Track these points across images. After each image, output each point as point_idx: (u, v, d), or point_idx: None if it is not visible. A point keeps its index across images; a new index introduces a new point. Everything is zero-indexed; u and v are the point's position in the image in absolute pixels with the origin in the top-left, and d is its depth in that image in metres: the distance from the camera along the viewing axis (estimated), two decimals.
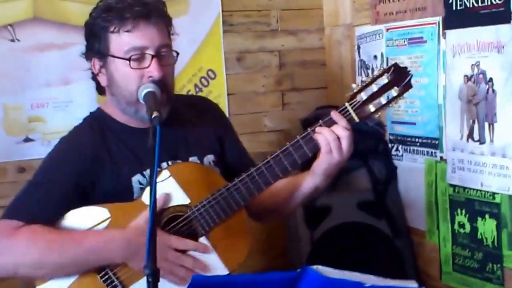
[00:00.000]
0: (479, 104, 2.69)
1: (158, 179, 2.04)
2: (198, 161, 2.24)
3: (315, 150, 2.07)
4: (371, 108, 2.06)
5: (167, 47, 2.11)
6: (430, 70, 2.96)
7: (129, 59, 2.06)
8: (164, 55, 2.10)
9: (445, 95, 2.87)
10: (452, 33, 2.81)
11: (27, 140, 3.15)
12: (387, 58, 3.23)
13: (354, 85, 2.09)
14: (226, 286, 1.65)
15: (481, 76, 2.66)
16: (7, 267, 2.03)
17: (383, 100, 2.06)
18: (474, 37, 2.68)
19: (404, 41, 3.12)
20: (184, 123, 2.27)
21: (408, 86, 2.07)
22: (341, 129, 2.04)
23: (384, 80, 2.06)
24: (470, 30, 2.69)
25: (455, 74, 2.80)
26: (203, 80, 3.44)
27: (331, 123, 2.06)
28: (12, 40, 3.09)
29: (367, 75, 3.35)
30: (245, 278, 1.74)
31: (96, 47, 2.13)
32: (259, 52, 3.58)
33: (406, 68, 2.09)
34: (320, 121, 2.08)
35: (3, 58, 3.08)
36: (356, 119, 2.06)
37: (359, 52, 3.45)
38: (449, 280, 2.98)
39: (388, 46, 3.22)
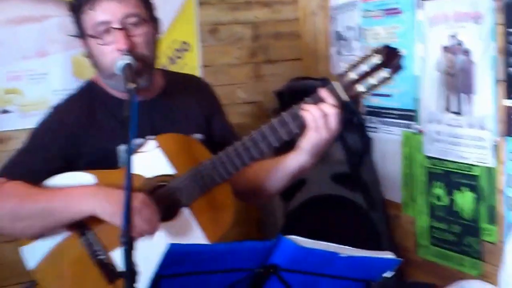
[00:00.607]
0: (456, 75, 2.67)
1: (145, 149, 2.16)
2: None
3: (301, 127, 2.08)
4: (361, 87, 2.07)
5: (135, 17, 2.13)
6: (406, 41, 2.93)
7: (96, 36, 2.12)
8: (134, 24, 2.13)
9: (422, 66, 2.85)
10: (429, 4, 2.79)
11: (4, 111, 3.15)
12: (362, 29, 3.21)
13: (343, 64, 2.11)
14: (202, 254, 1.66)
15: (458, 46, 2.64)
16: None
17: (373, 80, 2.07)
18: (451, 7, 2.65)
19: (380, 12, 3.09)
20: (174, 100, 2.31)
21: (399, 67, 2.08)
22: (328, 107, 2.05)
23: (375, 60, 2.06)
24: (447, 0, 2.67)
25: (432, 45, 2.78)
26: (177, 52, 3.43)
27: (318, 100, 2.07)
28: None
29: (342, 46, 3.35)
30: (220, 247, 1.76)
31: (77, 29, 2.21)
32: (233, 24, 3.56)
33: (397, 49, 2.09)
34: (306, 98, 2.08)
35: None
36: (345, 97, 2.07)
37: (334, 24, 3.42)
38: (425, 253, 2.98)
39: (364, 17, 3.19)
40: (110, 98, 2.25)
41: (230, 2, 3.54)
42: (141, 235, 1.98)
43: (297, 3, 3.68)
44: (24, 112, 3.15)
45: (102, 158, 2.17)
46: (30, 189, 2.10)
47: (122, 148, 2.17)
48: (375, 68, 2.06)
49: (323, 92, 2.07)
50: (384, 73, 2.06)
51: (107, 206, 2.02)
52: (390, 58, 2.07)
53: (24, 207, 2.07)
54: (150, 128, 2.21)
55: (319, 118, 2.04)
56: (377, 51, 2.07)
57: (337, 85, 2.07)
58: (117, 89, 2.20)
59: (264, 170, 2.29)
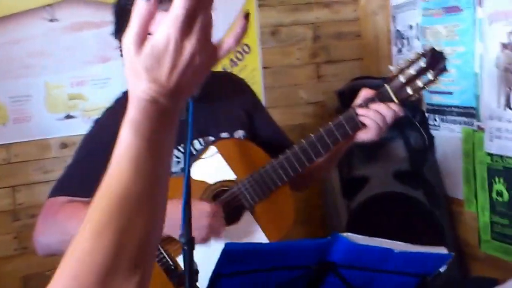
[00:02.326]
0: None
1: (205, 155, 2.17)
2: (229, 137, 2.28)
3: (356, 129, 2.13)
4: (409, 90, 2.11)
5: None
6: (466, 38, 2.94)
7: None
8: None
9: (481, 63, 2.86)
10: (488, 1, 2.79)
11: (68, 117, 3.21)
12: (423, 28, 3.22)
13: (392, 68, 2.15)
14: (259, 252, 1.69)
15: None
16: (52, 243, 2.08)
17: (420, 83, 2.11)
18: (511, 4, 2.65)
19: (440, 10, 3.10)
20: (211, 99, 2.30)
21: (444, 70, 2.11)
22: (385, 109, 2.10)
23: (421, 63, 2.10)
24: None
25: (491, 42, 2.78)
26: (237, 54, 3.47)
27: (372, 102, 2.12)
28: (51, 20, 3.15)
29: (403, 45, 3.36)
30: (278, 245, 1.82)
31: (125, 27, 2.16)
32: (294, 26, 3.59)
33: (442, 52, 2.13)
34: (361, 101, 2.13)
35: (43, 38, 3.14)
36: (396, 100, 2.11)
37: (394, 23, 3.44)
38: (488, 248, 2.99)
39: (424, 15, 3.20)
40: None
41: (290, 4, 3.57)
42: (208, 239, 2.03)
43: (357, 3, 3.70)
44: (88, 117, 3.17)
45: None
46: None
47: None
48: (421, 71, 2.10)
49: (378, 96, 2.11)
50: (429, 75, 2.10)
51: (173, 224, 2.00)
52: (435, 61, 2.10)
53: None
54: (196, 131, 2.20)
55: (380, 121, 2.09)
56: (423, 55, 2.11)
57: (388, 88, 2.11)
58: None
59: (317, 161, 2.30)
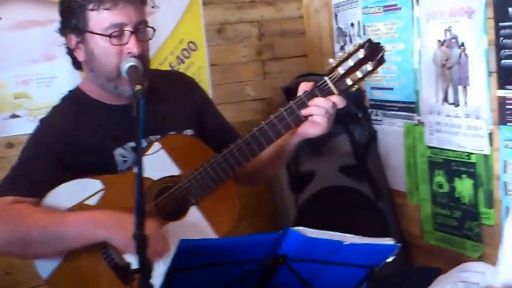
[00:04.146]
0: (452, 68, 2.76)
1: (149, 152, 2.16)
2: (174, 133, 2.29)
3: (298, 122, 2.17)
4: (349, 81, 2.16)
5: (144, 24, 2.17)
6: (405, 36, 3.02)
7: (109, 36, 2.11)
8: (142, 31, 2.16)
9: (420, 60, 2.94)
10: (425, 0, 2.87)
11: (14, 116, 3.18)
12: (363, 26, 3.30)
13: (331, 60, 2.18)
14: (213, 248, 1.70)
15: (453, 40, 2.73)
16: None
17: (359, 74, 2.16)
18: (446, 3, 2.74)
19: (380, 9, 3.18)
20: (161, 99, 2.32)
21: (382, 60, 2.18)
22: (326, 101, 2.13)
23: (359, 55, 2.16)
24: None
25: (428, 39, 2.87)
26: (184, 52, 3.49)
27: (312, 96, 2.15)
28: None
29: (345, 43, 3.44)
30: (231, 240, 1.81)
31: (73, 23, 2.16)
32: (239, 23, 3.64)
33: (379, 43, 2.19)
34: (302, 95, 2.16)
35: None
36: (336, 92, 2.15)
37: (336, 20, 3.51)
38: (430, 239, 3.08)
39: (364, 13, 3.28)
40: (98, 104, 2.24)
41: (235, 2, 3.61)
42: (155, 259, 1.96)
43: (300, 1, 3.76)
44: (34, 116, 3.16)
45: (100, 164, 2.16)
46: (37, 214, 2.06)
47: (118, 152, 2.19)
48: (360, 62, 2.16)
49: (317, 88, 2.15)
50: (368, 66, 2.16)
51: (120, 235, 2.00)
52: (373, 52, 2.16)
53: (34, 234, 2.04)
54: (144, 131, 2.11)
55: (324, 112, 2.12)
56: (361, 46, 2.16)
57: (328, 80, 2.15)
58: (112, 92, 2.19)
59: (265, 156, 2.32)
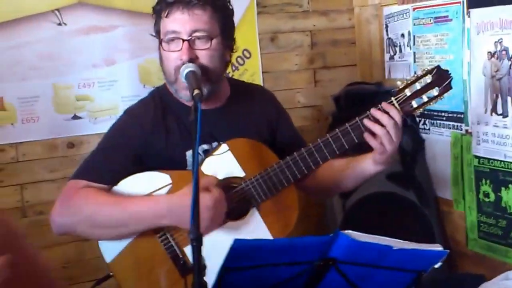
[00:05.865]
0: (502, 79, 2.78)
1: (216, 152, 2.26)
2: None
3: (361, 137, 2.22)
4: (414, 104, 2.23)
5: (203, 32, 2.22)
6: (455, 47, 3.05)
7: (166, 42, 2.23)
8: (197, 40, 2.22)
9: (469, 71, 2.97)
10: (476, 12, 2.90)
11: (75, 117, 3.27)
12: (414, 36, 3.33)
13: (399, 82, 2.25)
14: (265, 248, 1.73)
15: (504, 52, 2.75)
16: (67, 223, 2.21)
17: (424, 98, 2.23)
18: (497, 15, 2.76)
19: (430, 20, 3.21)
20: (238, 109, 2.40)
21: (448, 87, 2.25)
22: (392, 120, 2.18)
23: (427, 79, 2.23)
24: (493, 8, 2.78)
25: (479, 51, 2.89)
26: (239, 59, 3.57)
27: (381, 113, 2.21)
28: (60, 24, 3.20)
29: (395, 53, 3.48)
30: (283, 241, 1.85)
31: (155, 28, 2.32)
32: (292, 32, 3.70)
33: (447, 70, 2.26)
34: (368, 112, 2.22)
35: (52, 41, 3.20)
36: (400, 113, 2.21)
37: (387, 31, 3.56)
38: (474, 246, 3.09)
39: (415, 24, 3.32)
40: (179, 104, 2.32)
41: (289, 11, 3.68)
42: (208, 231, 2.11)
43: (352, 11, 3.81)
44: (94, 118, 3.29)
45: (171, 161, 2.25)
46: (103, 196, 2.17)
47: (190, 153, 2.26)
48: (427, 87, 2.23)
49: (386, 106, 2.20)
50: (434, 91, 2.23)
51: (184, 218, 2.02)
52: (441, 78, 2.23)
53: (102, 215, 2.15)
54: (210, 135, 2.30)
55: (389, 130, 2.18)
56: (430, 72, 2.23)
57: (394, 101, 2.21)
58: (178, 96, 2.29)
59: (339, 171, 2.40)
